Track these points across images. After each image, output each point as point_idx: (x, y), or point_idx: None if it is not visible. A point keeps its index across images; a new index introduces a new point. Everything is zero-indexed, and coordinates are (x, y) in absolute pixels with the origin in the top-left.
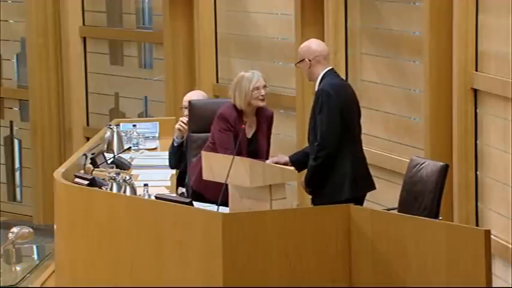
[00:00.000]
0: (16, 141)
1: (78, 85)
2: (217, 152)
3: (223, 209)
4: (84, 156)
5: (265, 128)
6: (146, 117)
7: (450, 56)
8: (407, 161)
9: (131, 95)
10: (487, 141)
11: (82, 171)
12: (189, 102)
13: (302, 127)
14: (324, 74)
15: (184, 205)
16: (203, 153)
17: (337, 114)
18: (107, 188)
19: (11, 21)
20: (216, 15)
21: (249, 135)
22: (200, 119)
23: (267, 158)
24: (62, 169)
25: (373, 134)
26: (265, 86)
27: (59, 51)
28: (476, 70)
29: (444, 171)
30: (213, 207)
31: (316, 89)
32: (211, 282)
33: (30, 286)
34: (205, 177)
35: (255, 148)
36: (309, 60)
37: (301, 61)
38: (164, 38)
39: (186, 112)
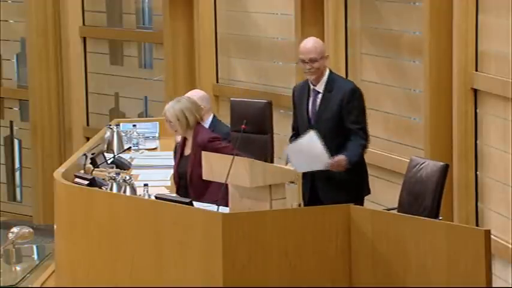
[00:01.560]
0: (16, 141)
1: (78, 85)
2: None
3: (223, 209)
4: (84, 156)
5: (199, 153)
6: (146, 117)
7: (450, 56)
8: (407, 161)
9: (131, 95)
10: (487, 141)
11: (82, 171)
12: (231, 101)
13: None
14: (331, 72)
15: (184, 205)
16: (203, 153)
17: None
18: (107, 188)
19: (11, 21)
20: (216, 15)
21: (186, 153)
22: (241, 118)
23: (196, 186)
24: (62, 169)
25: (373, 134)
26: (170, 122)
27: (59, 51)
28: (476, 70)
29: (444, 171)
30: (213, 207)
31: (322, 88)
32: (211, 282)
33: (30, 286)
34: (205, 177)
35: (184, 170)
36: (327, 56)
37: (325, 57)
38: (164, 38)
39: None
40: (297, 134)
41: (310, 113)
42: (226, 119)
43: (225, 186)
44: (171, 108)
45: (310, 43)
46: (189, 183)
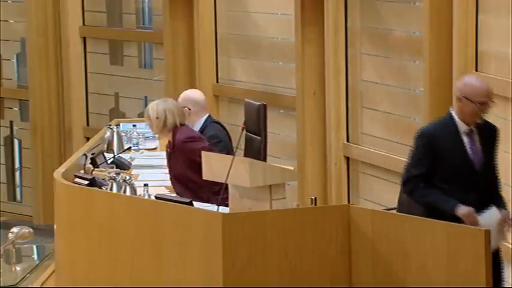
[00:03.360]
0: (16, 141)
1: (78, 85)
2: None
3: (223, 209)
4: (84, 156)
5: (177, 154)
6: None
7: (450, 56)
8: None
9: (131, 95)
10: None
11: (82, 171)
12: (245, 102)
13: (302, 127)
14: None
15: (184, 205)
16: (203, 153)
17: None
18: (107, 188)
19: (11, 21)
20: (216, 15)
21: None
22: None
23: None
24: (62, 169)
25: (373, 134)
26: (149, 118)
27: (59, 51)
28: (476, 70)
29: None
30: (213, 207)
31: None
32: (211, 282)
33: (30, 286)
34: (205, 177)
35: (170, 165)
36: None
37: None
38: (164, 38)
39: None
40: (430, 182)
41: (470, 156)
42: (226, 119)
43: (209, 186)
44: (155, 105)
45: (485, 83)
46: (174, 181)
